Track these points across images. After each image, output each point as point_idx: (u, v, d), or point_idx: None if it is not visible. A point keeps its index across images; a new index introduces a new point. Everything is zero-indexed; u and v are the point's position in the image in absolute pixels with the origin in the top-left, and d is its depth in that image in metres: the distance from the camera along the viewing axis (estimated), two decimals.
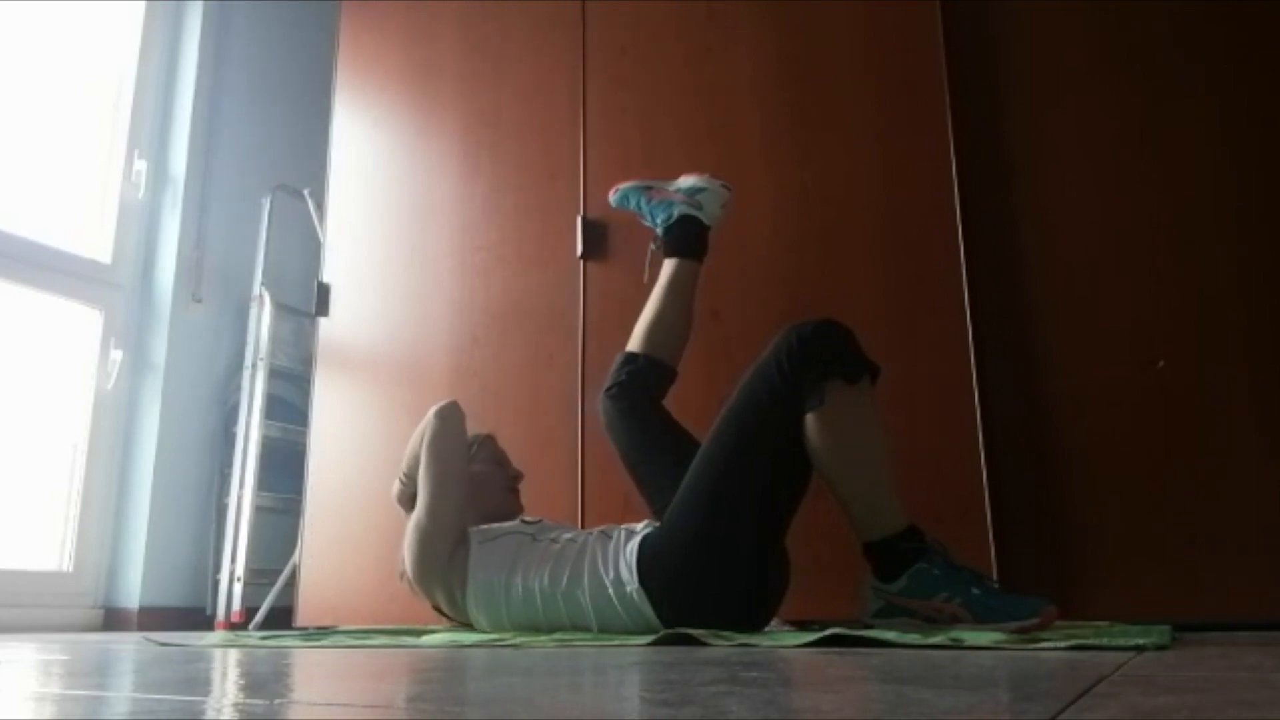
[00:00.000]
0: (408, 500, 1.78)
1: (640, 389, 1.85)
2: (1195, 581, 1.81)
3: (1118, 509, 1.90)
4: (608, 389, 1.86)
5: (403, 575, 1.76)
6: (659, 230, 1.96)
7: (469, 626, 1.72)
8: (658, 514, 1.70)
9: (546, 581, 1.61)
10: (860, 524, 1.53)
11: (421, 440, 1.75)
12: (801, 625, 1.81)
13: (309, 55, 3.52)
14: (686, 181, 1.95)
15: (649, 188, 1.96)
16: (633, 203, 1.98)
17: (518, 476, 1.90)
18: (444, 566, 1.67)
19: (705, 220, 1.93)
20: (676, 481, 1.62)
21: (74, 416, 2.90)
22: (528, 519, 1.79)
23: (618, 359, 1.91)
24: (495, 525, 1.73)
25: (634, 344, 1.91)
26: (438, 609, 1.74)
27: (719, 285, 2.16)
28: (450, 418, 1.77)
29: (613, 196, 2.01)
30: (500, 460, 1.91)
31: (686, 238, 1.92)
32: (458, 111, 2.71)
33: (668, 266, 1.93)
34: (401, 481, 1.80)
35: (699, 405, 1.89)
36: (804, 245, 2.19)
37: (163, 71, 3.27)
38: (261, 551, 2.89)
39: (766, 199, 2.23)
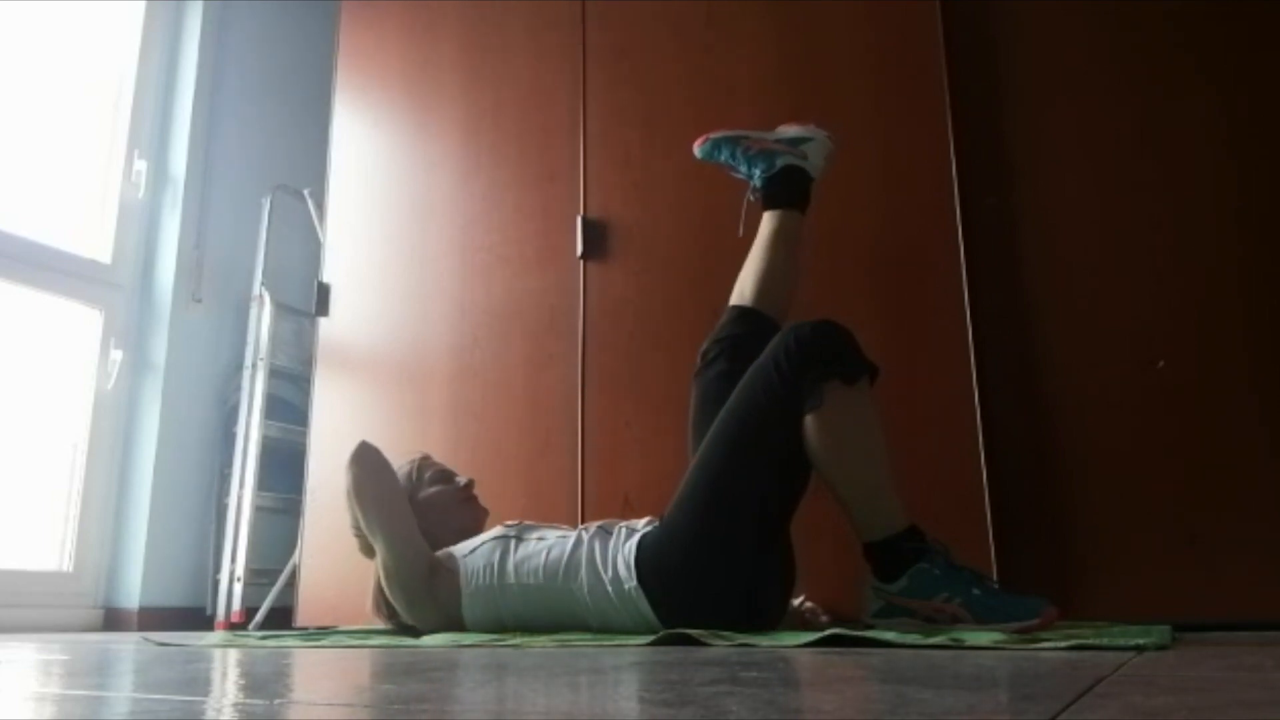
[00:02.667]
0: (368, 550, 1.76)
1: (750, 347, 1.73)
2: (1195, 581, 1.81)
3: (1118, 509, 1.90)
4: (718, 338, 1.79)
5: (377, 614, 1.75)
6: (757, 181, 1.86)
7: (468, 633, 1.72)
8: None
9: (543, 577, 1.61)
10: (860, 524, 1.52)
11: (348, 494, 1.72)
12: (803, 624, 1.81)
13: (309, 55, 3.52)
14: (790, 131, 1.86)
15: (745, 136, 1.86)
16: (724, 154, 1.87)
17: (469, 485, 1.88)
18: (428, 593, 1.67)
19: (811, 172, 1.85)
20: None
21: (74, 416, 2.90)
22: (509, 523, 1.77)
23: (729, 312, 1.83)
24: (475, 539, 1.72)
25: (744, 298, 1.83)
26: (435, 631, 1.74)
27: (719, 285, 2.15)
28: (365, 459, 1.73)
29: (699, 148, 1.90)
30: (445, 476, 1.88)
31: (792, 188, 1.84)
32: (457, 111, 2.71)
33: (770, 218, 1.84)
34: (355, 535, 1.77)
35: None
36: (804, 245, 2.18)
37: (163, 71, 3.27)
38: (261, 551, 2.89)
39: None
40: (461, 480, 1.89)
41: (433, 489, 1.84)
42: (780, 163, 1.84)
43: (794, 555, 1.66)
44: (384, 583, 1.69)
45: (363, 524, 1.70)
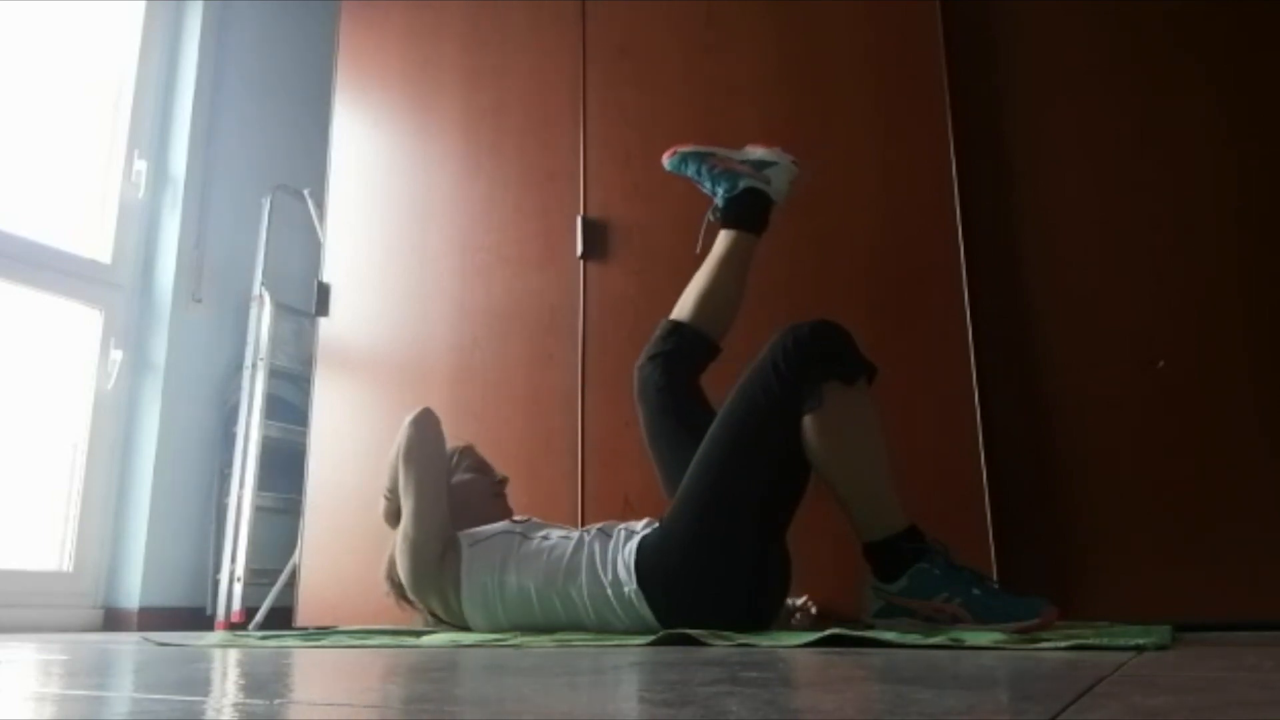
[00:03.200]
0: (393, 516, 1.77)
1: (683, 362, 1.79)
2: (1195, 581, 1.81)
3: (1118, 509, 1.90)
4: (651, 355, 1.81)
5: (389, 592, 1.76)
6: (719, 200, 1.87)
7: (466, 630, 1.72)
8: (669, 497, 1.69)
9: (541, 579, 1.61)
10: (860, 524, 1.52)
11: (398, 451, 1.74)
12: (796, 624, 1.81)
13: (309, 55, 3.52)
14: (755, 153, 1.86)
15: (711, 154, 1.87)
16: (691, 169, 1.88)
17: (503, 481, 1.89)
18: (436, 573, 1.67)
19: (772, 196, 1.85)
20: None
21: (74, 416, 2.90)
22: (517, 518, 1.79)
23: (663, 326, 1.84)
24: (484, 528, 1.72)
25: (682, 313, 1.84)
26: (434, 615, 1.74)
27: None
28: (425, 425, 1.76)
29: (668, 160, 1.91)
30: (482, 468, 1.90)
31: (750, 211, 1.84)
32: (458, 111, 2.71)
33: (725, 238, 1.85)
34: (386, 498, 1.79)
35: None
36: (803, 245, 2.19)
37: (163, 71, 3.26)
38: (261, 551, 2.89)
39: None
40: (496, 475, 1.90)
41: (467, 476, 1.85)
42: (743, 184, 1.85)
43: (789, 555, 1.66)
44: (398, 551, 1.70)
45: (401, 484, 1.72)
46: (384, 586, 1.78)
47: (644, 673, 0.92)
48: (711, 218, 1.90)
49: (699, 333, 1.82)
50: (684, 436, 1.70)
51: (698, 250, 1.90)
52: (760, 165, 1.85)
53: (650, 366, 1.81)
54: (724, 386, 1.66)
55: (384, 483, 1.79)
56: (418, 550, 1.67)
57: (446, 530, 1.71)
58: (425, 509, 1.69)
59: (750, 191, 1.84)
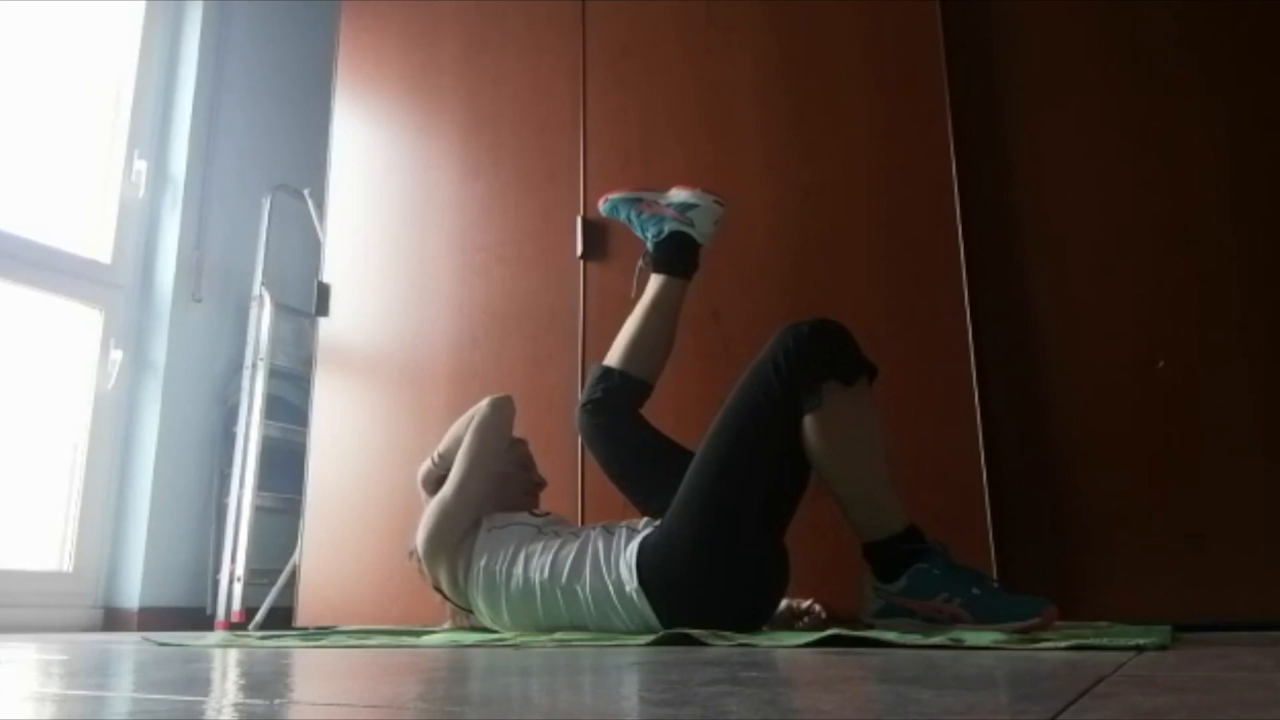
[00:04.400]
0: (433, 483, 1.83)
1: (616, 403, 1.84)
2: (1195, 581, 1.81)
3: (1118, 509, 1.90)
4: (584, 404, 1.86)
5: (411, 553, 1.80)
6: (649, 245, 1.91)
7: (467, 612, 1.73)
8: (650, 516, 1.70)
9: (546, 575, 1.62)
10: (860, 524, 1.52)
11: (469, 423, 1.81)
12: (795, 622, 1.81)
13: (309, 55, 3.52)
14: (679, 196, 1.88)
15: (639, 199, 1.91)
16: (623, 214, 1.93)
17: (541, 484, 1.93)
18: (454, 545, 1.72)
19: (697, 238, 1.88)
20: (662, 486, 1.64)
21: (74, 416, 2.90)
22: (536, 511, 1.82)
23: (594, 372, 1.90)
24: (506, 515, 1.76)
25: (612, 359, 1.89)
26: (438, 589, 1.76)
27: (719, 285, 2.16)
28: (503, 410, 1.84)
29: (602, 206, 1.97)
30: (527, 464, 1.94)
31: (675, 255, 1.88)
32: (458, 111, 2.71)
33: (654, 283, 1.89)
34: (434, 461, 1.85)
35: (699, 405, 1.89)
36: (804, 245, 2.19)
37: (163, 71, 3.27)
38: (261, 551, 2.89)
39: (766, 199, 2.23)
40: (537, 476, 1.94)
41: (510, 468, 1.88)
42: (668, 229, 1.88)
43: (788, 555, 1.66)
44: (428, 513, 1.74)
45: (460, 452, 1.78)
46: (410, 560, 1.82)
47: (644, 673, 0.92)
48: (643, 263, 1.95)
49: (627, 375, 1.87)
50: (645, 459, 1.77)
51: (633, 295, 1.95)
52: (684, 208, 1.87)
53: (584, 415, 1.86)
54: (720, 389, 1.66)
55: (439, 447, 1.85)
56: (449, 516, 1.72)
57: (478, 509, 1.76)
58: (472, 482, 1.75)
59: (675, 235, 1.87)
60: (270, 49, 3.51)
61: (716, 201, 1.88)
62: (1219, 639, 1.39)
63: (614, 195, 1.95)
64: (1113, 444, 1.92)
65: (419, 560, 1.77)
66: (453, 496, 1.74)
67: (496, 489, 1.81)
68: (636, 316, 1.89)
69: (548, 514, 1.82)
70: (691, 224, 1.87)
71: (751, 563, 1.55)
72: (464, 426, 1.82)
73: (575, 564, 1.61)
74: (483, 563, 1.68)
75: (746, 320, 2.17)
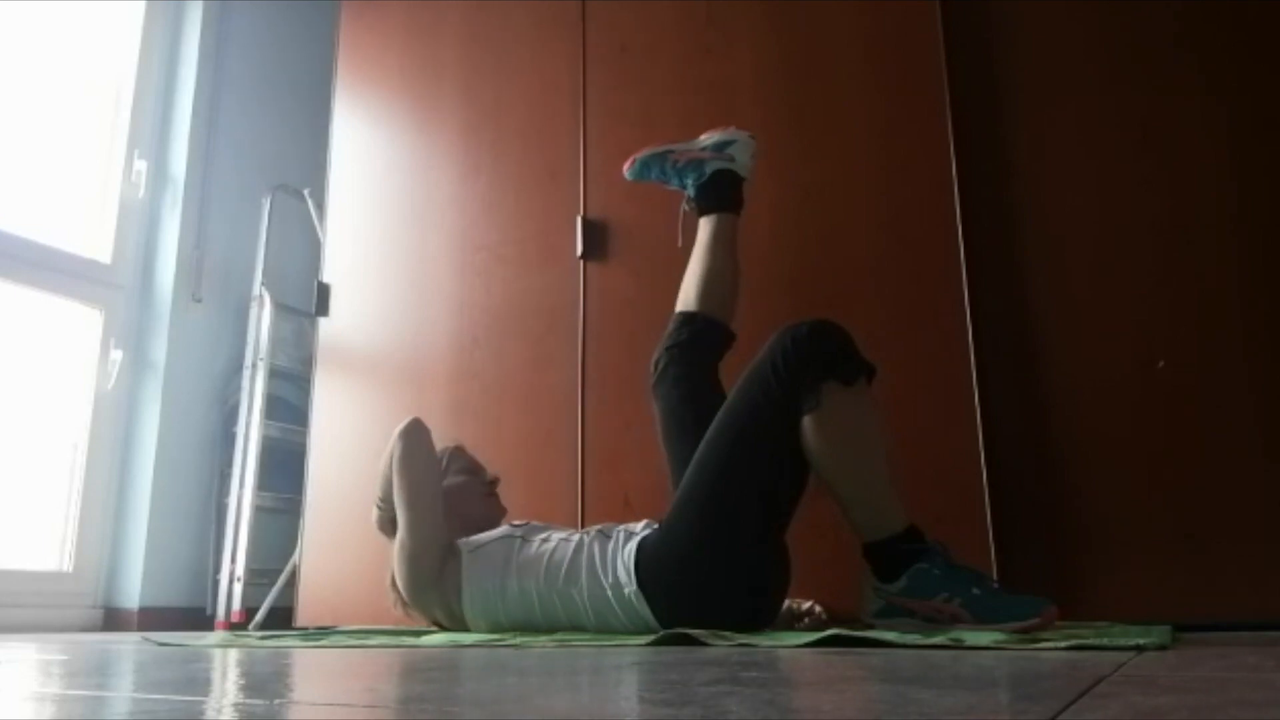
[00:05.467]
0: (388, 525, 1.77)
1: (702, 352, 1.81)
2: (1195, 581, 1.81)
3: (1118, 509, 1.89)
4: (667, 347, 1.82)
5: (396, 601, 1.76)
6: (690, 191, 1.91)
7: (468, 632, 1.72)
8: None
9: (542, 581, 1.61)
10: (860, 525, 1.52)
11: (390, 463, 1.74)
12: (799, 624, 1.81)
13: (309, 55, 3.52)
14: (712, 137, 1.91)
15: (669, 152, 1.91)
16: (654, 171, 1.92)
17: (494, 481, 1.89)
18: (436, 583, 1.68)
19: (740, 172, 1.90)
20: None
21: (74, 416, 2.90)
22: (516, 522, 1.78)
23: (674, 319, 1.86)
24: (483, 535, 1.72)
25: (688, 303, 1.86)
26: (436, 624, 1.74)
27: None
28: (415, 435, 1.76)
29: (629, 169, 1.94)
30: (473, 469, 1.90)
31: (724, 191, 1.88)
32: (458, 111, 2.71)
33: (707, 224, 1.89)
34: (379, 507, 1.79)
35: None
36: (804, 245, 2.19)
37: (163, 71, 3.27)
38: (261, 551, 2.89)
39: (767, 199, 2.23)
40: (488, 476, 1.90)
41: (458, 478, 1.85)
42: (710, 169, 1.89)
43: (789, 555, 1.66)
44: (396, 563, 1.70)
45: (395, 496, 1.72)
46: (390, 596, 1.78)
47: (644, 673, 0.92)
48: (687, 208, 1.94)
49: (711, 319, 1.84)
50: (700, 431, 1.66)
51: (679, 244, 1.94)
52: (721, 146, 1.90)
53: (667, 358, 1.82)
54: (725, 384, 1.66)
55: (376, 492, 1.78)
56: (415, 561, 1.67)
57: (443, 538, 1.71)
58: (421, 519, 1.69)
59: (719, 173, 1.89)
60: (270, 49, 3.51)
61: (750, 135, 1.91)
62: (1219, 639, 1.39)
63: (641, 154, 1.93)
64: (1113, 444, 1.92)
65: (402, 605, 1.74)
66: (411, 540, 1.68)
67: (456, 503, 1.78)
68: (700, 259, 1.87)
69: (527, 522, 1.78)
70: (732, 159, 1.89)
71: (751, 563, 1.55)
72: (388, 465, 1.75)
73: (571, 569, 1.60)
74: (473, 586, 1.64)
75: (746, 320, 2.17)
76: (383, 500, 1.77)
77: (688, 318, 1.84)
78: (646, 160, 1.93)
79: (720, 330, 1.84)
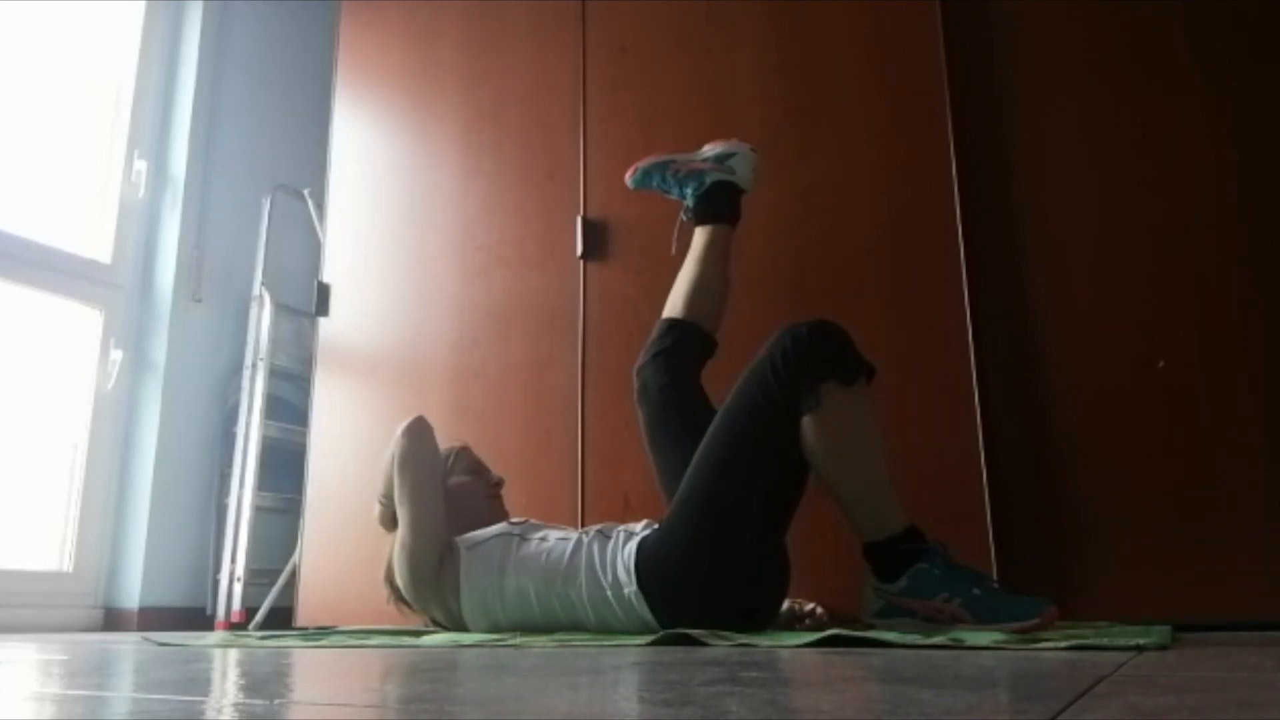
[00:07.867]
0: (389, 521, 1.78)
1: (685, 359, 1.82)
2: (1195, 581, 1.81)
3: (1118, 509, 1.89)
4: (653, 354, 1.83)
5: (389, 598, 1.76)
6: (689, 201, 1.92)
7: (466, 632, 1.72)
8: (669, 498, 1.69)
9: (540, 580, 1.61)
10: (860, 525, 1.52)
11: (393, 460, 1.75)
12: (799, 624, 1.81)
13: (309, 55, 3.52)
14: (714, 149, 1.92)
15: (671, 162, 1.93)
16: (655, 180, 1.94)
17: (499, 483, 1.90)
18: (435, 580, 1.68)
19: (741, 184, 1.91)
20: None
21: (74, 416, 2.90)
22: (514, 520, 1.78)
23: (659, 325, 1.87)
24: (481, 531, 1.72)
25: (674, 310, 1.87)
26: (435, 622, 1.75)
27: None
28: (417, 433, 1.76)
29: (631, 177, 1.96)
30: (478, 469, 1.90)
31: (722, 203, 1.90)
32: (458, 111, 2.71)
33: (701, 234, 1.90)
34: (380, 503, 1.80)
35: None
36: (804, 245, 2.19)
37: (163, 71, 3.26)
38: (261, 551, 2.89)
39: (766, 199, 2.22)
40: (493, 477, 1.90)
41: (463, 478, 1.85)
42: (710, 180, 1.90)
43: (789, 555, 1.66)
44: (396, 560, 1.70)
45: (396, 493, 1.72)
46: (384, 590, 1.78)
47: (644, 673, 0.92)
48: (684, 218, 1.96)
49: (696, 327, 1.85)
50: (686, 436, 1.69)
51: (673, 251, 1.95)
52: (722, 158, 1.91)
53: (652, 365, 1.82)
54: (723, 385, 1.66)
55: (378, 488, 1.79)
56: (415, 559, 1.68)
57: (443, 537, 1.71)
58: (422, 517, 1.69)
59: (719, 185, 1.90)
60: (270, 49, 3.51)
61: (752, 149, 1.93)
62: (1219, 639, 1.39)
63: (643, 164, 1.95)
64: (1113, 444, 1.92)
65: (397, 602, 1.74)
66: (411, 538, 1.68)
67: (460, 504, 1.78)
68: (692, 266, 1.89)
69: (525, 520, 1.78)
70: (733, 172, 1.90)
71: (751, 563, 1.55)
72: (390, 462, 1.76)
73: (569, 569, 1.60)
74: (471, 584, 1.64)
75: (746, 320, 2.17)
76: (385, 496, 1.78)
77: (673, 324, 1.85)
78: (648, 169, 1.94)
79: (704, 339, 1.85)
